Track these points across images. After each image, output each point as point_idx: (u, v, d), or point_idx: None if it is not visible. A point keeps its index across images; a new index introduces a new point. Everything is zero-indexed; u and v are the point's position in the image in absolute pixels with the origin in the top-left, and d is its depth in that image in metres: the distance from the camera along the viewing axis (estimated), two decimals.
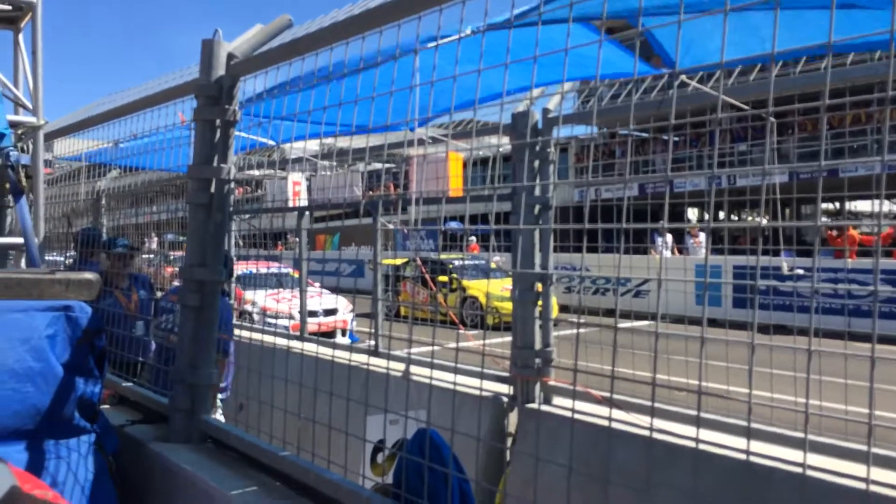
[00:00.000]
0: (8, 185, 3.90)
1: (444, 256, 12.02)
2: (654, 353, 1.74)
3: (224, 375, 4.44)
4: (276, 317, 9.84)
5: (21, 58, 4.28)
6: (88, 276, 2.63)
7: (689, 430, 3.21)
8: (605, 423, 3.34)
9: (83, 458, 2.51)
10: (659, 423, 3.31)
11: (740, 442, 3.00)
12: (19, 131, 4.20)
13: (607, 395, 3.66)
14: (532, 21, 2.61)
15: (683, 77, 3.57)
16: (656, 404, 3.63)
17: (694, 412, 3.44)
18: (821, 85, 3.54)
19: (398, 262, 10.11)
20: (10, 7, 4.19)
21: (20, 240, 3.81)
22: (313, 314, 11.00)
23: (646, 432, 3.22)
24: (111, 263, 4.88)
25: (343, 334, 11.90)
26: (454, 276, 12.89)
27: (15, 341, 2.38)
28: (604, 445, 3.46)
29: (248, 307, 9.89)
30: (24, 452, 2.40)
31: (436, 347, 2.60)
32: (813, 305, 1.40)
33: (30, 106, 4.16)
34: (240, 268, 9.05)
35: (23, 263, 4.06)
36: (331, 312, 11.91)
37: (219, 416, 4.35)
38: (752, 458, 2.88)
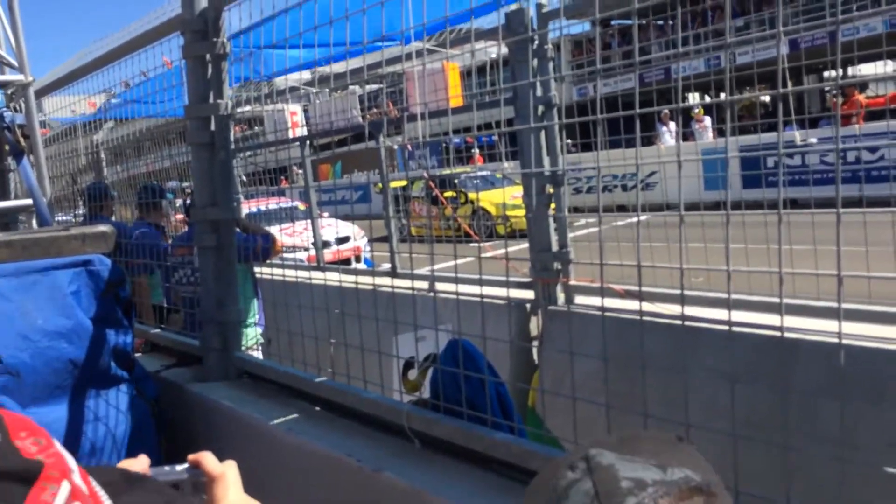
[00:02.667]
0: (7, 147, 3.87)
1: (450, 171, 11.93)
2: (680, 241, 1.73)
3: (257, 313, 4.50)
4: (291, 250, 9.88)
5: None
6: (103, 228, 2.62)
7: (711, 313, 3.24)
8: (630, 315, 3.40)
9: (125, 406, 2.57)
10: (681, 309, 3.33)
11: (768, 318, 3.03)
12: (9, 91, 4.13)
13: (628, 288, 3.70)
14: None
15: None
16: (675, 290, 3.67)
17: (714, 294, 3.48)
18: None
19: (404, 182, 10.02)
20: None
21: (28, 201, 3.80)
22: (326, 244, 11.02)
23: (672, 320, 3.27)
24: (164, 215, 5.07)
25: (358, 260, 11.91)
26: (461, 190, 12.82)
27: (41, 301, 2.40)
28: (630, 337, 3.50)
29: None
30: (67, 407, 2.45)
31: (456, 262, 2.61)
32: (839, 171, 1.37)
33: (15, 63, 4.07)
34: (246, 206, 9.05)
35: (34, 225, 4.06)
36: (343, 240, 11.93)
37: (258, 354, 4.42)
38: (783, 333, 2.91)
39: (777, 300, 1.60)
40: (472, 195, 12.93)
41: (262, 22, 2.76)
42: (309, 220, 8.49)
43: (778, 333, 1.58)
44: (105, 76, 3.97)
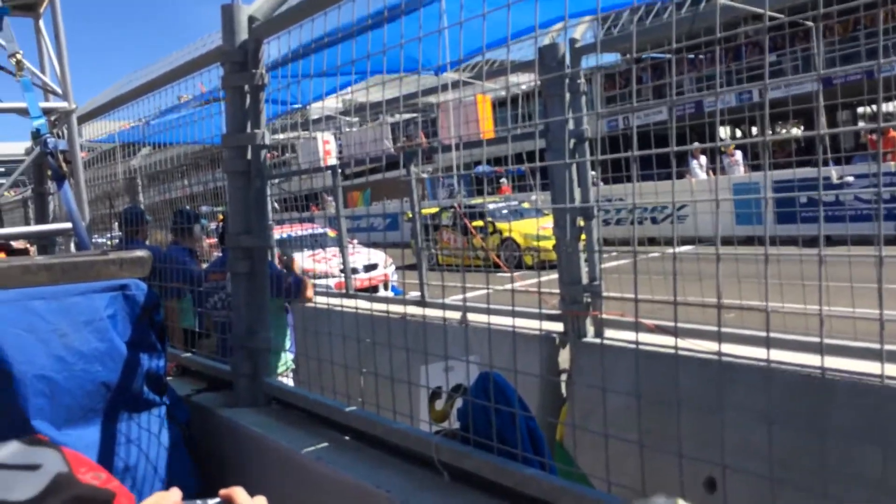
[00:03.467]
0: (49, 173, 3.95)
1: (479, 201, 11.96)
2: (717, 278, 1.71)
3: (288, 339, 4.53)
4: (319, 277, 9.93)
5: (44, 44, 4.28)
6: (141, 253, 2.67)
7: (744, 350, 3.20)
8: (662, 350, 3.37)
9: (157, 429, 2.59)
10: (713, 346, 3.29)
11: (798, 356, 2.98)
12: (52, 117, 4.23)
13: (659, 323, 3.66)
14: None
15: None
16: (706, 326, 3.63)
17: (749, 332, 3.44)
18: None
19: (433, 211, 10.07)
20: None
21: (68, 225, 3.87)
22: (355, 271, 11.06)
23: (704, 356, 3.22)
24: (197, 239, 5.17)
25: (386, 288, 11.92)
26: (489, 219, 12.84)
27: (79, 324, 2.43)
28: (661, 372, 3.46)
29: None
30: (99, 430, 2.48)
31: (485, 291, 2.61)
32: (881, 211, 1.36)
33: (59, 91, 4.18)
34: (277, 232, 9.13)
35: (72, 248, 4.14)
36: (371, 268, 11.96)
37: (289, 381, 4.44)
38: (814, 372, 2.86)
39: (814, 339, 1.58)
40: (500, 225, 12.94)
41: (300, 55, 2.81)
42: (338, 247, 8.54)
43: (816, 373, 1.56)
44: (145, 103, 4.06)
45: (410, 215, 6.52)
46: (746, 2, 3.11)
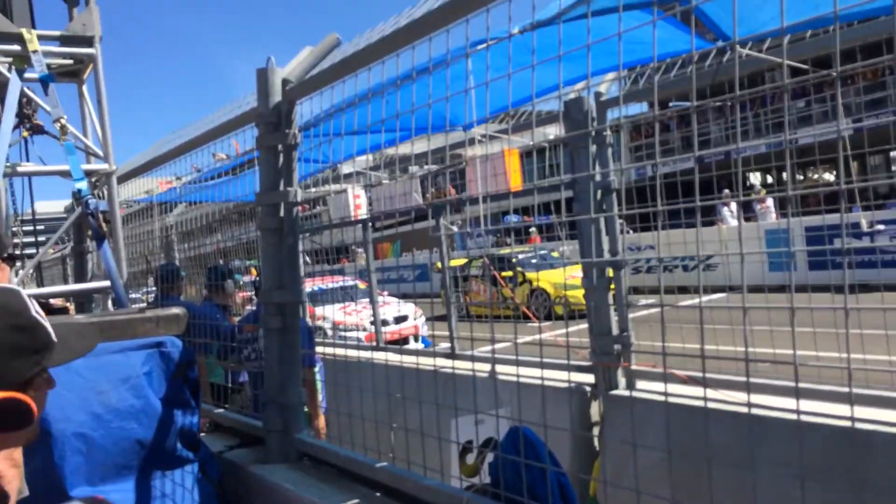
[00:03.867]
0: (90, 232, 4.07)
1: (508, 251, 11.95)
2: (744, 328, 1.71)
3: (320, 393, 4.54)
4: (349, 329, 9.96)
5: (87, 108, 4.45)
6: (177, 311, 2.72)
7: (778, 402, 3.15)
8: (693, 402, 3.32)
9: (190, 486, 2.61)
10: (746, 397, 3.25)
11: (833, 408, 2.93)
12: (93, 179, 4.37)
13: (691, 374, 3.62)
14: (581, 13, 2.59)
15: (739, 49, 3.51)
16: (738, 377, 3.58)
17: (782, 382, 3.38)
18: (882, 35, 3.43)
19: (462, 261, 10.11)
20: (72, 61, 4.36)
21: (106, 283, 3.97)
22: (384, 323, 11.07)
23: (737, 408, 3.18)
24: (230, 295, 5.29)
25: (416, 340, 11.90)
26: (519, 269, 12.81)
27: (116, 381, 2.49)
28: (693, 425, 3.41)
29: (321, 322, 10.04)
30: (133, 487, 2.50)
31: (514, 343, 2.61)
32: None
33: (101, 153, 4.33)
34: (308, 285, 9.23)
35: (109, 304, 4.23)
36: (401, 320, 11.98)
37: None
38: (857, 425, 2.81)
39: (845, 390, 1.56)
40: (530, 275, 12.92)
41: (331, 114, 2.89)
42: (368, 299, 8.58)
43: (848, 424, 1.53)
44: (180, 163, 4.18)
45: (440, 266, 6.55)
46: (770, 53, 3.13)
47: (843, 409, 2.87)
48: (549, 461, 2.01)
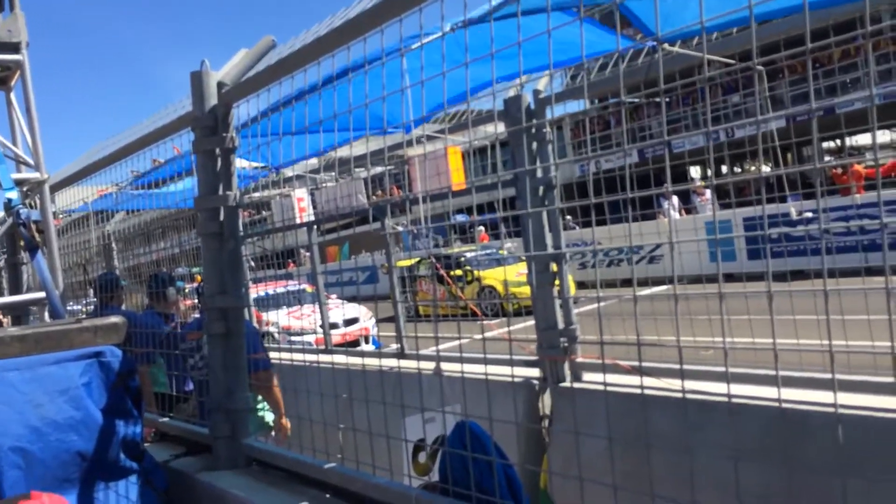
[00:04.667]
0: (22, 243, 3.96)
1: (456, 250, 12.00)
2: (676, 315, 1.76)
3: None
4: (298, 334, 9.87)
5: (16, 116, 4.33)
6: (115, 320, 2.67)
7: (721, 388, 3.24)
8: (638, 391, 3.40)
9: (135, 497, 2.56)
10: (690, 384, 3.34)
11: (773, 392, 3.02)
12: (25, 188, 4.25)
13: (635, 364, 3.70)
14: (511, 12, 2.63)
15: (666, 45, 3.60)
16: (685, 366, 3.67)
17: (719, 369, 3.48)
18: (803, 28, 3.54)
19: (410, 262, 10.13)
20: None
21: (41, 294, 3.87)
22: (335, 326, 11.00)
23: (676, 395, 3.26)
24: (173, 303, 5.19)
25: (367, 341, 11.84)
26: (468, 268, 12.88)
27: (54, 393, 2.43)
28: (638, 414, 3.49)
29: (270, 328, 9.93)
30: (76, 500, 2.45)
31: (462, 341, 2.64)
32: (823, 246, 1.42)
33: (31, 162, 4.21)
34: (254, 291, 9.12)
35: (46, 316, 4.12)
36: (351, 322, 11.92)
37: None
38: (785, 406, 2.91)
39: (772, 372, 1.62)
40: (478, 273, 12.99)
41: (268, 114, 2.87)
42: (316, 303, 8.52)
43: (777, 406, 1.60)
44: (118, 169, 4.10)
45: (388, 267, 6.55)
46: (696, 49, 3.22)
47: (775, 392, 2.97)
48: (496, 453, 2.03)
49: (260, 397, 4.44)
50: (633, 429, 3.47)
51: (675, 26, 3.56)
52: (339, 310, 11.26)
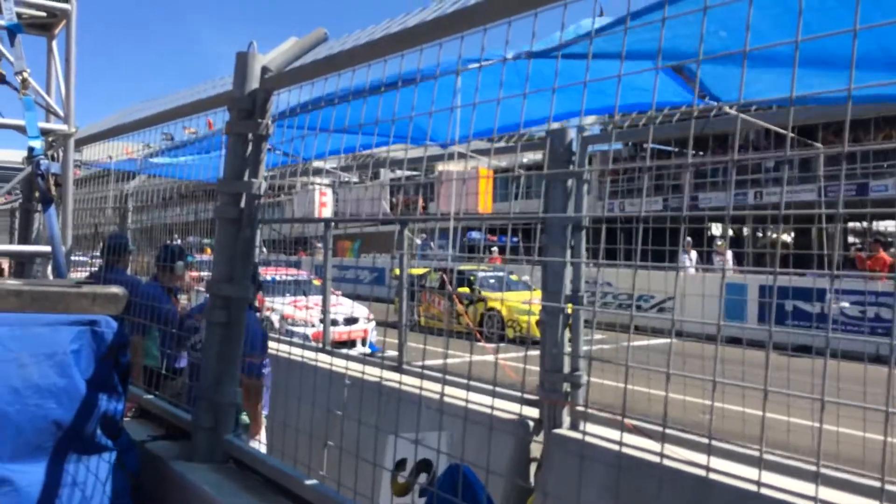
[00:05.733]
0: (37, 194, 3.88)
1: (468, 267, 11.87)
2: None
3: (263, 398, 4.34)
4: (297, 325, 9.77)
5: (54, 65, 4.26)
6: (116, 290, 2.58)
7: (723, 465, 3.12)
8: (637, 454, 3.28)
9: (104, 477, 2.47)
10: (689, 454, 3.21)
11: (779, 479, 2.90)
12: (50, 139, 4.18)
13: (638, 424, 3.58)
14: (577, 52, 2.53)
15: (726, 107, 3.52)
16: (686, 435, 3.55)
17: (726, 446, 3.36)
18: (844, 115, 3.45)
19: (420, 271, 10.01)
20: (44, 14, 4.17)
21: (47, 248, 3.79)
22: (334, 323, 10.89)
23: (675, 464, 3.14)
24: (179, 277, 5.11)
25: (363, 344, 11.64)
26: (476, 287, 12.75)
27: (40, 356, 2.34)
28: (632, 475, 3.36)
29: (270, 314, 9.83)
30: (44, 470, 2.35)
31: (462, 359, 2.53)
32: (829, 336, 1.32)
33: (61, 114, 4.14)
34: (263, 274, 9.04)
35: (49, 271, 4.04)
36: (351, 321, 11.81)
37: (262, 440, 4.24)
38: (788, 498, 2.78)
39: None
40: (485, 293, 12.86)
41: (309, 108, 2.78)
42: (320, 297, 8.43)
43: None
44: (146, 135, 4.02)
45: (398, 272, 6.46)
46: (758, 117, 3.12)
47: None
48: None
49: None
50: (623, 490, 3.35)
51: (735, 93, 3.49)
52: (342, 307, 11.16)
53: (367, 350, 11.02)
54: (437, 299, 9.17)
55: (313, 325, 10.34)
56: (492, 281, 13.57)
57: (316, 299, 10.45)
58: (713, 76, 3.61)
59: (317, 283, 11.46)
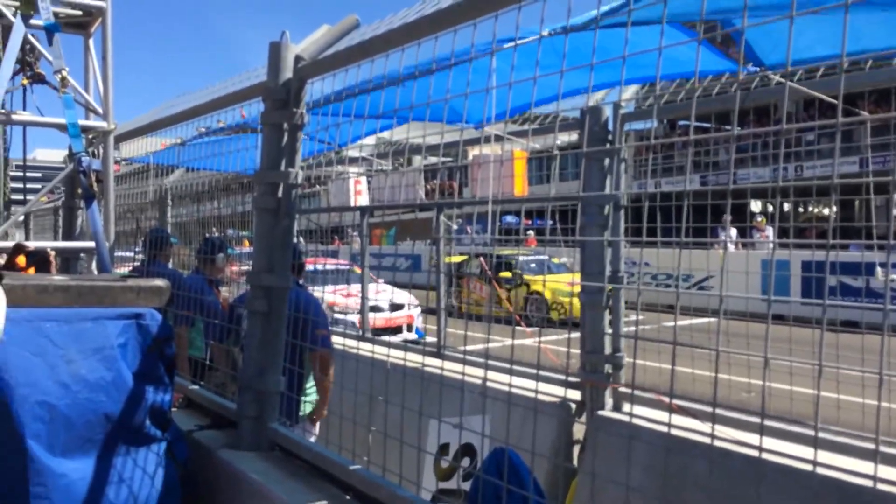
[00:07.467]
0: (80, 190, 3.95)
1: (508, 251, 11.75)
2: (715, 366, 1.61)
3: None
4: (346, 312, 9.77)
5: (91, 63, 4.31)
6: (159, 283, 2.61)
7: (774, 444, 3.06)
8: (680, 434, 3.23)
9: (153, 468, 2.50)
10: (741, 435, 3.16)
11: (831, 457, 2.84)
12: (90, 136, 4.24)
13: (681, 404, 3.53)
14: (620, 21, 2.48)
15: (770, 73, 3.42)
16: (730, 413, 3.49)
17: (775, 425, 3.30)
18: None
19: (459, 259, 9.94)
20: (80, 12, 4.22)
21: (91, 244, 3.85)
22: (379, 309, 10.85)
23: (724, 444, 3.08)
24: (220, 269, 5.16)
25: (409, 329, 11.54)
26: (518, 271, 12.64)
27: (88, 351, 2.37)
28: (679, 456, 3.32)
29: None
30: (96, 462, 2.39)
31: (503, 343, 2.52)
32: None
33: (100, 111, 4.19)
34: (308, 265, 9.06)
35: (93, 267, 4.11)
36: (396, 308, 11.77)
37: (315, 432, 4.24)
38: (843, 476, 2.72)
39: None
40: (527, 277, 12.71)
41: (343, 97, 2.78)
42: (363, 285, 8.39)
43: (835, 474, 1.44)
44: (183, 129, 4.06)
45: (433, 259, 6.45)
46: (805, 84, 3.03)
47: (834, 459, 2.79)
48: (534, 490, 1.90)
49: (311, 382, 4.28)
50: (670, 471, 3.31)
51: (783, 53, 3.37)
52: (385, 294, 11.13)
53: (414, 336, 10.92)
54: (479, 285, 9.08)
55: (359, 312, 10.33)
56: (532, 265, 13.45)
57: (359, 287, 10.42)
58: (755, 35, 3.50)
59: (357, 271, 11.39)
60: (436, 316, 5.79)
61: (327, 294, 9.03)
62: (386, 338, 7.60)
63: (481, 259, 7.10)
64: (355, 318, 9.84)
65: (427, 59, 2.28)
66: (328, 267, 8.28)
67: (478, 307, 7.89)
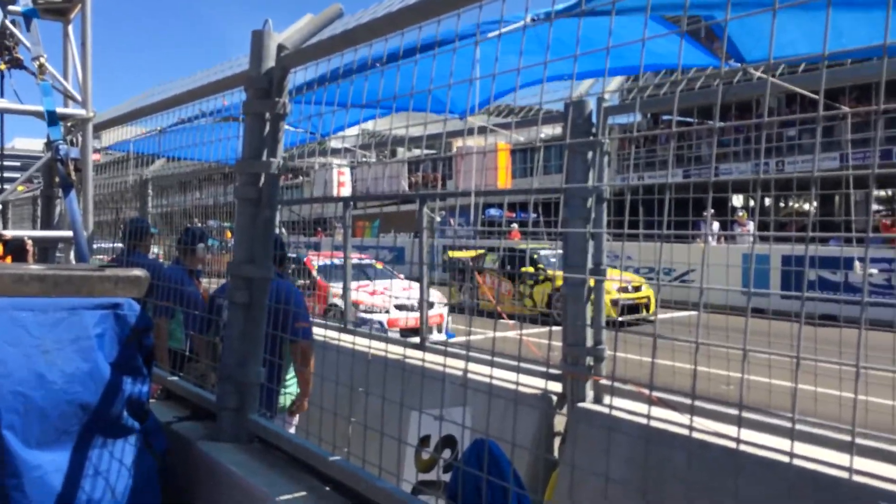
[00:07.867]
0: (57, 179, 3.90)
1: (530, 246, 11.29)
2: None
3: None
4: (371, 311, 9.51)
5: (70, 50, 4.25)
6: (138, 273, 2.58)
7: (752, 436, 3.08)
8: (660, 426, 3.26)
9: (131, 460, 2.48)
10: (720, 427, 3.18)
11: (808, 449, 2.87)
12: (69, 123, 4.18)
13: (662, 396, 3.55)
14: (605, 10, 2.47)
15: (750, 69, 3.43)
16: (713, 406, 3.52)
17: (754, 416, 3.32)
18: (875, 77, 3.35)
19: (472, 253, 9.33)
20: None
21: (69, 233, 3.81)
22: (406, 308, 10.01)
23: (703, 436, 3.11)
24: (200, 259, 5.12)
25: (439, 331, 10.04)
26: (541, 266, 12.32)
27: (64, 341, 2.34)
28: (659, 448, 3.34)
29: (336, 300, 9.52)
30: (71, 454, 2.37)
31: (494, 345, 2.52)
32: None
33: (79, 98, 4.14)
34: (321, 259, 8.87)
35: (71, 256, 4.06)
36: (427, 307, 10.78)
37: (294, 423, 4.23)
38: (819, 468, 2.75)
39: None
40: (551, 273, 12.45)
41: (325, 84, 2.75)
42: (389, 281, 8.20)
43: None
44: (164, 118, 4.01)
45: (451, 254, 6.39)
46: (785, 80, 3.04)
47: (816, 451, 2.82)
48: (514, 482, 1.91)
49: (291, 374, 4.26)
50: (649, 462, 3.32)
51: (765, 50, 3.38)
52: (413, 291, 9.64)
53: (444, 338, 9.48)
54: (495, 281, 8.69)
55: (387, 312, 9.99)
56: (553, 259, 13.13)
57: (384, 283, 10.05)
58: (737, 32, 3.51)
59: (379, 266, 11.09)
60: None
61: (353, 292, 8.62)
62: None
63: (485, 251, 6.98)
64: (383, 317, 9.61)
65: (410, 46, 2.27)
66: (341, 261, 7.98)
67: (499, 305, 7.69)
